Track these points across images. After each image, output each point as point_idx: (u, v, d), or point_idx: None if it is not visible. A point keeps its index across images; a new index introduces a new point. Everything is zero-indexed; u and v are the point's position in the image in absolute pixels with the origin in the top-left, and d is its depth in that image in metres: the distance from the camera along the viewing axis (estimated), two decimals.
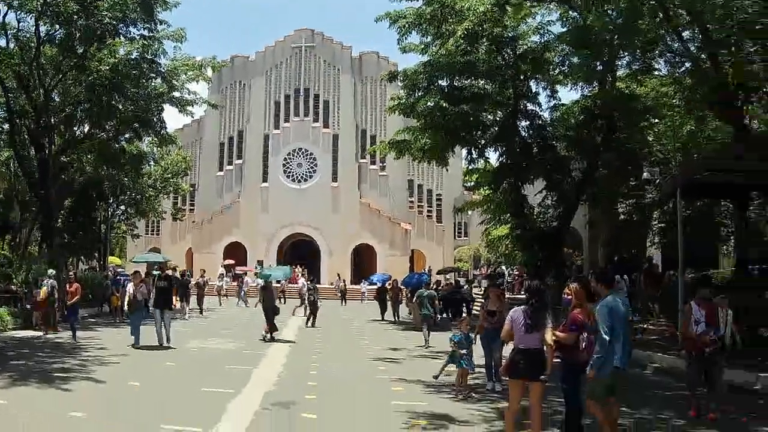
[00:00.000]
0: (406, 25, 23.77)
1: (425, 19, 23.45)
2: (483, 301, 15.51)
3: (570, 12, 20.30)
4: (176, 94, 26.76)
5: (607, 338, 7.32)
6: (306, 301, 25.42)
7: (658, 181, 24.81)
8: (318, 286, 27.49)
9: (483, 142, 26.63)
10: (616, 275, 16.79)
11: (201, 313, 28.64)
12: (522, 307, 8.13)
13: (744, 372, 11.73)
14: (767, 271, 20.86)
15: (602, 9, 16.24)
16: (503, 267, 45.98)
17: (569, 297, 8.49)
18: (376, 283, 35.32)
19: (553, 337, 7.86)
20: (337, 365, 14.72)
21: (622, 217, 27.25)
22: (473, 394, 11.23)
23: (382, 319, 28.53)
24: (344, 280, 45.50)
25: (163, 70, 25.38)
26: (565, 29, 21.60)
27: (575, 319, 8.10)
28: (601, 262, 27.92)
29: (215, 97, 50.00)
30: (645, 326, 19.37)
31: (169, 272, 21.35)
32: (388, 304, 29.48)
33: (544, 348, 7.76)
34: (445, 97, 24.71)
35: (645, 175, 24.66)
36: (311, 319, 24.30)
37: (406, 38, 24.54)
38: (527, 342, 7.86)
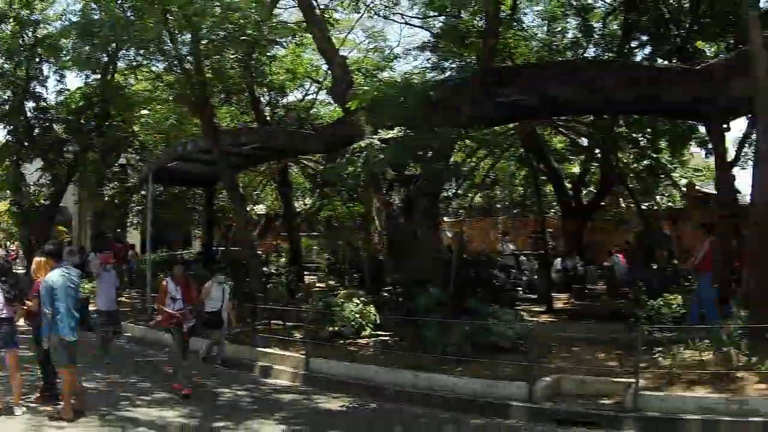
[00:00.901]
0: None
1: None
2: None
3: (91, 4, 21.56)
4: None
5: (48, 311, 7.83)
6: None
7: (139, 167, 28.16)
8: None
9: None
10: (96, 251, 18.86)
11: None
12: None
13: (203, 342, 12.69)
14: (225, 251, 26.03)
15: (119, 6, 17.82)
16: (7, 243, 43.26)
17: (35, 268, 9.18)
18: None
19: (29, 305, 8.67)
20: None
21: (107, 198, 29.43)
22: None
23: None
24: None
25: None
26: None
27: (38, 287, 8.52)
28: (87, 240, 29.85)
29: None
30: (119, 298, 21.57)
31: None
32: None
33: (14, 318, 8.48)
34: None
35: (122, 160, 27.87)
36: None
37: None
38: None
